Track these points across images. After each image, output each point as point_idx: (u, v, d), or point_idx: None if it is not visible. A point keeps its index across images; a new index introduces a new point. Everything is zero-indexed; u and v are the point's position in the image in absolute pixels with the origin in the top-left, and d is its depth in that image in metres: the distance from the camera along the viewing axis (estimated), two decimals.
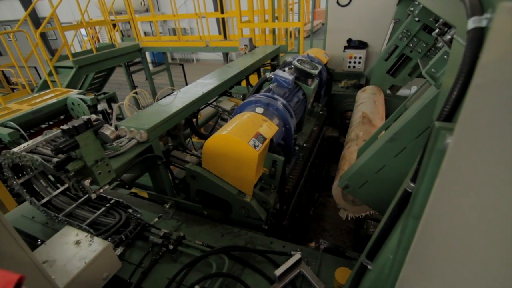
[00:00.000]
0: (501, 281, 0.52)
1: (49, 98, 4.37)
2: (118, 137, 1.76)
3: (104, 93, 4.71)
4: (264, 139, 1.96)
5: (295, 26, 5.97)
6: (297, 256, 1.65)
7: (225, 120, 3.92)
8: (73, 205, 2.13)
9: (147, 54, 8.58)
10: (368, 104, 3.39)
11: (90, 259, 1.54)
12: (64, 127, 1.45)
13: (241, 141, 1.85)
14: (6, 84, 7.43)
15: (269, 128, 2.08)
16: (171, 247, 1.77)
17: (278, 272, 1.56)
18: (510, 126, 0.43)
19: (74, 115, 4.40)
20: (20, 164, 1.83)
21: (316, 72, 2.93)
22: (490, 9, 0.60)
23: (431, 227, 0.66)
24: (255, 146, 1.86)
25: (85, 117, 1.52)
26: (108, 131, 1.57)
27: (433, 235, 0.66)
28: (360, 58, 4.34)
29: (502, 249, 0.50)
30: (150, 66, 9.47)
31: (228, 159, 1.94)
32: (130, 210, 2.15)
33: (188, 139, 3.20)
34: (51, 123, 4.48)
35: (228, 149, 1.91)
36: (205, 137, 3.16)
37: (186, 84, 9.69)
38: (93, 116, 1.57)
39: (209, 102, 3.12)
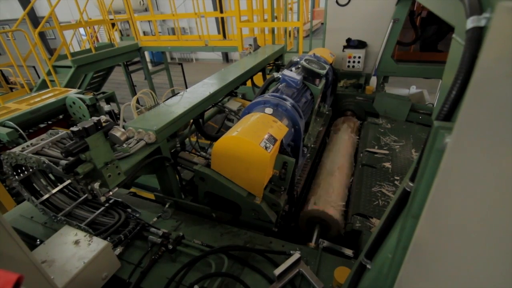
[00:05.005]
0: (499, 281, 0.52)
1: (47, 97, 4.36)
2: (128, 138, 1.74)
3: (103, 93, 4.71)
4: (275, 140, 1.92)
5: (295, 25, 5.98)
6: (296, 255, 1.65)
7: (232, 121, 3.91)
8: (72, 205, 2.13)
9: (146, 53, 8.58)
10: (351, 137, 3.49)
11: (89, 259, 1.54)
12: (74, 128, 1.42)
13: (253, 142, 1.81)
14: (4, 83, 7.41)
15: (279, 129, 2.04)
16: (170, 246, 1.77)
17: (277, 271, 1.56)
18: (509, 125, 0.44)
19: (73, 115, 4.40)
20: (23, 164, 1.82)
21: (324, 72, 2.90)
22: (489, 9, 0.60)
23: (430, 226, 0.67)
24: (266, 148, 1.82)
25: (95, 118, 1.49)
26: (118, 132, 1.55)
27: (432, 234, 0.66)
28: (359, 57, 4.34)
29: (500, 248, 0.50)
30: (149, 66, 9.46)
31: (239, 161, 1.90)
32: (129, 210, 2.15)
33: (193, 140, 3.17)
34: (49, 122, 4.47)
35: (239, 150, 1.86)
36: (211, 138, 3.14)
37: (185, 84, 9.54)
38: (103, 117, 1.54)
39: (216, 103, 3.10)
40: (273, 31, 5.73)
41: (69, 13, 14.42)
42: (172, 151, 2.54)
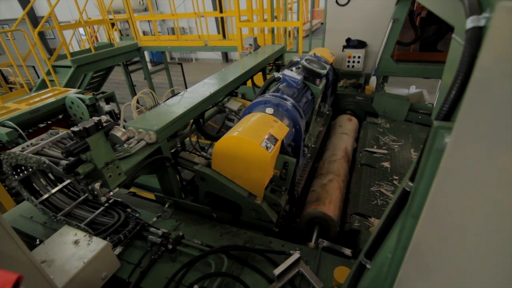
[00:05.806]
0: (499, 280, 0.52)
1: (47, 97, 4.36)
2: (129, 139, 1.74)
3: (103, 93, 4.71)
4: (276, 140, 1.91)
5: (294, 25, 5.97)
6: (296, 255, 1.65)
7: (232, 121, 3.90)
8: (72, 205, 2.13)
9: (145, 53, 8.57)
10: (350, 137, 3.49)
11: (88, 258, 1.54)
12: (75, 128, 1.42)
13: (254, 142, 1.80)
14: (4, 83, 7.40)
15: (280, 129, 2.03)
16: (170, 246, 1.77)
17: (277, 271, 1.56)
18: (509, 125, 0.44)
19: (72, 114, 4.40)
20: (23, 164, 1.82)
21: (324, 72, 2.90)
22: (488, 9, 0.60)
23: (429, 226, 0.67)
24: (267, 148, 1.81)
25: (96, 118, 1.48)
26: (119, 132, 1.54)
27: (432, 234, 0.66)
28: (359, 57, 4.34)
29: (500, 248, 0.50)
30: (149, 66, 9.46)
31: (240, 161, 1.89)
32: (128, 210, 2.14)
33: (193, 140, 3.16)
34: (49, 122, 4.47)
35: (240, 151, 1.85)
36: (211, 138, 3.14)
37: (185, 84, 9.52)
38: (104, 117, 1.54)
39: (216, 102, 3.10)
40: (272, 31, 5.73)
41: (69, 13, 14.43)
42: (172, 151, 2.53)
